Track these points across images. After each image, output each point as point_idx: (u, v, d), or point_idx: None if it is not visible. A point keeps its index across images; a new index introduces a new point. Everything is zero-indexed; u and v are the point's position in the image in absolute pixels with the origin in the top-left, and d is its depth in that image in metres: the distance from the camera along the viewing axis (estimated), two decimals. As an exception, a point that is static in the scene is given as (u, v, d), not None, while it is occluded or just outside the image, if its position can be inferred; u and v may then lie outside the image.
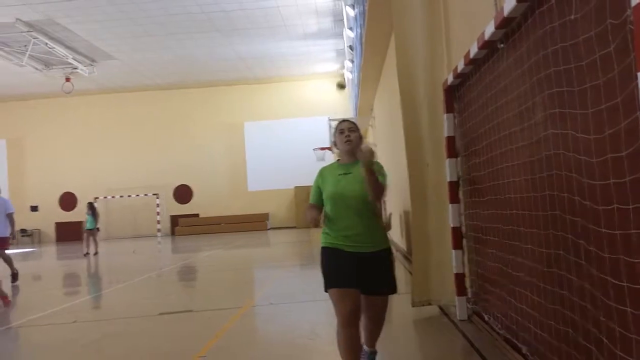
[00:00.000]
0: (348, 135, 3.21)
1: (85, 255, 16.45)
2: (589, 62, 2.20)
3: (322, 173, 3.31)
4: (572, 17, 2.31)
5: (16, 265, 9.99)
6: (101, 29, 20.11)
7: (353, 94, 22.87)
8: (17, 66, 22.55)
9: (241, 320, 5.77)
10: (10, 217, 8.99)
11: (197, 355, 4.40)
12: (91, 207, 16.96)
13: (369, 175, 2.95)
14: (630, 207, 1.93)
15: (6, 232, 8.91)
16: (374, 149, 2.95)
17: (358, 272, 3.06)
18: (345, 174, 3.16)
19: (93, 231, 16.72)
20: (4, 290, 7.67)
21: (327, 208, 3.18)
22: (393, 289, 3.24)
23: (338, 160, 3.35)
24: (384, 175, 3.16)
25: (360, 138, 3.29)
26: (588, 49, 2.20)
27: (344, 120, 3.37)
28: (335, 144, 3.33)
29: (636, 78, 1.70)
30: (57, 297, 8.83)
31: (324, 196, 3.20)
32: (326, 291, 3.10)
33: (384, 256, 3.19)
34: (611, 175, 2.07)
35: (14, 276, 9.74)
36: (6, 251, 9.26)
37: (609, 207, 2.09)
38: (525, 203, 3.14)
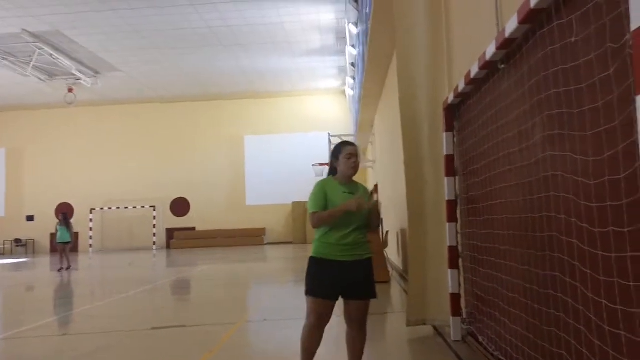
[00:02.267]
0: (355, 161, 3.44)
1: (59, 270, 15.04)
2: (589, 84, 2.21)
3: (326, 186, 3.45)
4: (573, 39, 2.33)
5: (8, 274, 9.88)
6: (106, 41, 20.26)
7: (354, 110, 22.99)
8: (21, 76, 22.67)
9: (235, 336, 5.71)
10: None
11: (188, 369, 4.35)
12: (65, 217, 15.60)
13: (374, 217, 3.47)
14: (626, 230, 1.92)
15: None
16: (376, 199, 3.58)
17: (343, 280, 3.35)
18: (350, 193, 3.41)
19: (66, 245, 15.39)
20: None
21: None
22: (374, 294, 3.48)
23: (333, 177, 3.51)
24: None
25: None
26: (588, 71, 2.21)
27: (349, 144, 3.53)
28: (334, 163, 3.48)
29: (634, 102, 1.70)
30: (48, 309, 8.74)
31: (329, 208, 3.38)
32: (306, 294, 3.41)
33: (368, 263, 3.45)
34: (608, 197, 2.06)
35: None
36: None
37: (605, 230, 2.08)
38: (522, 224, 3.13)
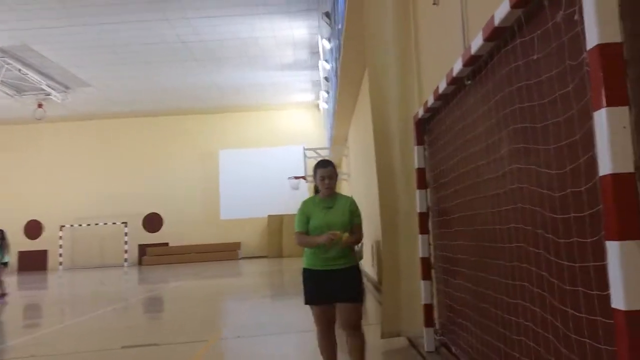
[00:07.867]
0: (328, 182, 3.81)
1: None
2: (551, 100, 2.29)
3: (307, 205, 3.86)
4: (535, 57, 2.41)
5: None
6: (77, 56, 19.95)
7: (328, 124, 23.12)
8: (-12, 92, 22.13)
9: (207, 354, 5.64)
10: None
11: (161, 389, 4.27)
12: (2, 236, 13.68)
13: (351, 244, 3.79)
14: (588, 240, 1.98)
15: None
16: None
17: (331, 287, 3.74)
18: (329, 207, 3.80)
19: (2, 267, 13.10)
20: None
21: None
22: (360, 298, 3.84)
23: (316, 194, 3.91)
24: (359, 216, 3.86)
25: (336, 175, 3.89)
26: (549, 87, 2.29)
27: (322, 167, 3.85)
28: (315, 182, 3.89)
29: (593, 117, 1.77)
30: (15, 330, 8.48)
31: (310, 226, 3.78)
32: (306, 304, 3.79)
33: (352, 271, 3.82)
34: (572, 209, 2.13)
35: None
36: None
37: (570, 240, 2.14)
38: (491, 235, 3.19)
